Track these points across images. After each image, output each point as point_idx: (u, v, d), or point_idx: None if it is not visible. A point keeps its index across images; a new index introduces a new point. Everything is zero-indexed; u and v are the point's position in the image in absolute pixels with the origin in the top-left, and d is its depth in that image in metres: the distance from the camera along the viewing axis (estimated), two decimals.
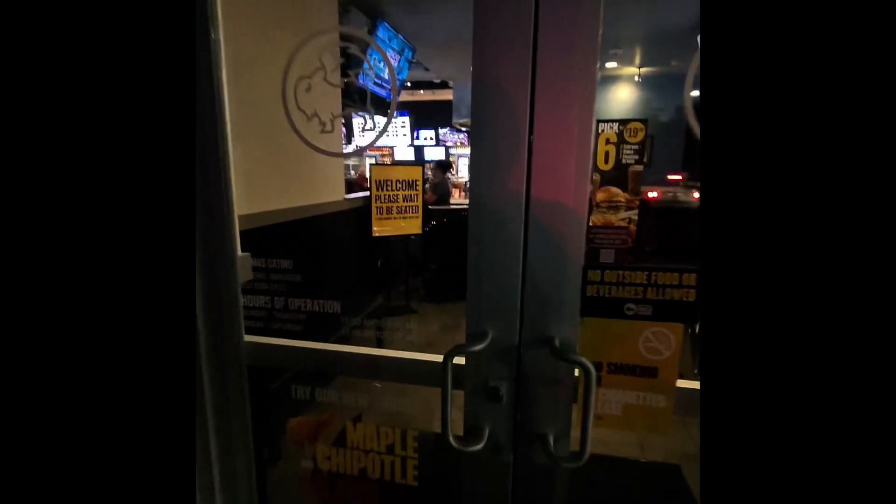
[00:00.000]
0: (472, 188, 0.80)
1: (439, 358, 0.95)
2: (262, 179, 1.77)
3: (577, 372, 0.80)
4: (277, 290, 1.20)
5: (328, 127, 0.89)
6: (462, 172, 11.16)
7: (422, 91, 11.57)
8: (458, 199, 7.47)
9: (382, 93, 4.77)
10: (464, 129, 11.31)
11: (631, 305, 0.74)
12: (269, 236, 1.84)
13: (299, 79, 0.84)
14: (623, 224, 5.10)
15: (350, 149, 3.70)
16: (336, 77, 0.86)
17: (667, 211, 5.14)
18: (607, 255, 0.91)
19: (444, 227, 4.23)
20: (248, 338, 1.01)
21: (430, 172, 5.02)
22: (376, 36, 4.00)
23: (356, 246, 3.75)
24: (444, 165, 4.81)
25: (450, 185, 4.89)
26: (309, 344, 1.02)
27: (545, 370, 0.81)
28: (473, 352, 0.81)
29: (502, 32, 0.73)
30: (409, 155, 16.99)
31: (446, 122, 11.69)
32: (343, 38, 1.04)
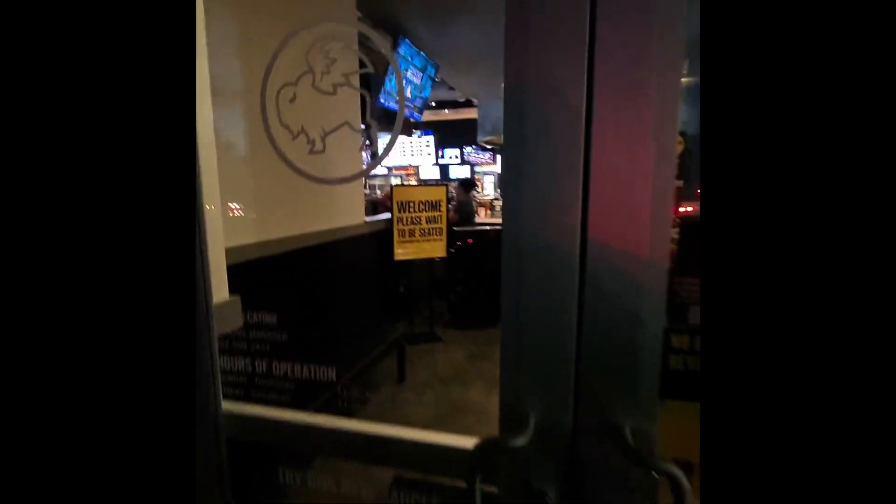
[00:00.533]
0: (507, 225, 0.59)
1: (466, 442, 0.72)
2: (269, 203, 1.62)
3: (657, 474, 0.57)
4: (260, 349, 1.03)
5: (317, 146, 0.70)
6: (488, 190, 11.00)
7: (446, 110, 11.57)
8: (484, 218, 7.28)
9: (406, 112, 4.64)
10: (489, 147, 11.19)
11: None
12: (274, 268, 1.67)
13: (283, 86, 0.67)
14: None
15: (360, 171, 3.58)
16: (328, 83, 0.68)
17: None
18: (699, 314, 0.65)
19: (470, 248, 4.02)
20: (226, 405, 0.82)
21: (453, 191, 4.86)
22: (397, 53, 3.90)
23: (377, 271, 3.59)
24: (468, 184, 4.63)
25: (475, 205, 4.70)
26: (299, 416, 0.81)
27: (612, 472, 0.59)
28: (511, 447, 0.59)
29: (549, 32, 0.53)
30: (435, 174, 17.10)
31: (471, 141, 11.63)
32: (363, 49, 0.86)
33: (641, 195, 0.53)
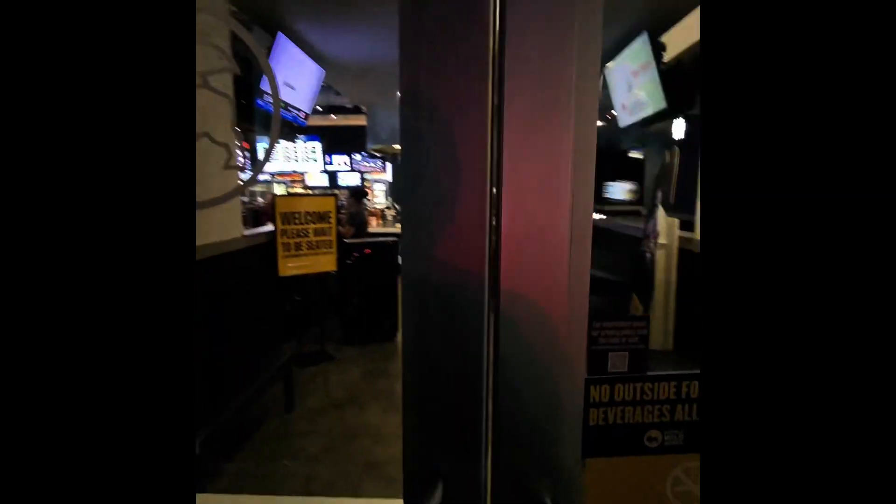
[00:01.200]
0: (405, 253, 0.51)
1: None
2: None
3: None
4: None
5: None
6: (379, 199, 10.84)
7: (333, 115, 11.16)
8: (377, 228, 7.12)
9: (288, 116, 4.32)
10: (378, 155, 11.06)
11: (654, 434, 0.49)
12: None
13: None
14: None
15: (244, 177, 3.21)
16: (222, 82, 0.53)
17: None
18: (619, 360, 0.61)
19: (363, 260, 3.86)
20: None
21: (343, 200, 4.63)
22: (276, 53, 3.61)
23: (260, 290, 3.24)
24: (360, 193, 4.47)
25: (366, 215, 4.55)
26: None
27: None
28: None
29: (452, 41, 0.46)
30: (323, 181, 16.46)
31: (360, 148, 11.39)
32: (237, 56, 0.71)
33: (554, 221, 0.48)
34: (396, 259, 3.99)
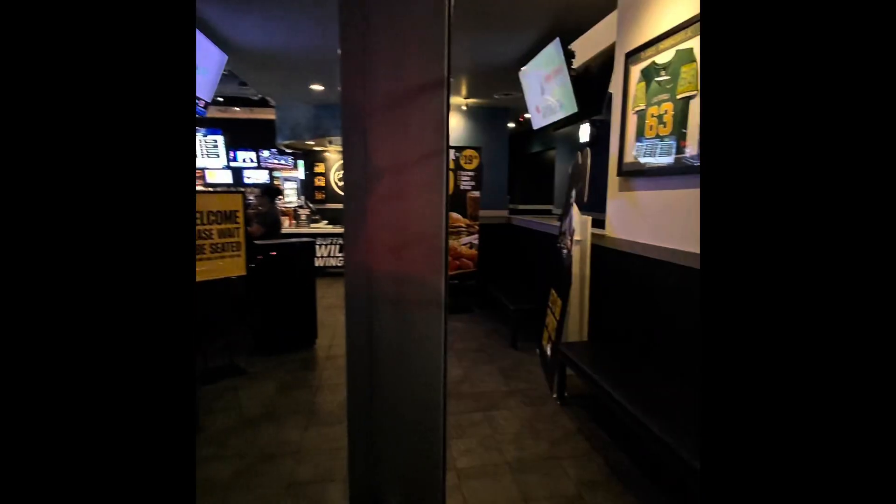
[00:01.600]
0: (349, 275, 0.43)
1: None
2: None
3: None
4: None
5: None
6: (291, 198, 10.23)
7: (237, 108, 10.33)
8: (290, 228, 6.72)
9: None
10: (289, 151, 10.44)
11: None
12: None
13: None
14: (466, 250, 5.12)
15: None
16: None
17: (501, 230, 5.34)
18: None
19: (276, 263, 3.59)
20: None
21: (252, 199, 4.27)
22: None
23: None
24: (273, 191, 4.15)
25: (279, 214, 4.24)
26: None
27: None
28: None
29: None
30: (226, 178, 15.15)
31: (269, 144, 10.67)
32: None
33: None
34: (313, 261, 3.77)
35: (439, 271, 0.47)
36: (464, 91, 5.88)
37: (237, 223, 3.25)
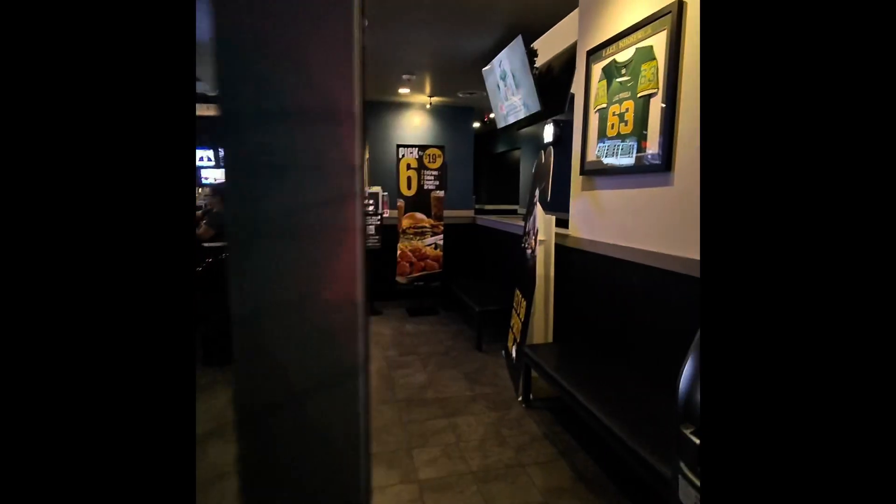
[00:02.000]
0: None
1: None
2: None
3: None
4: None
5: None
6: None
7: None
8: None
9: None
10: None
11: None
12: None
13: None
14: (430, 250, 5.00)
15: None
16: None
17: (466, 230, 5.27)
18: None
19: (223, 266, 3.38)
20: None
21: (204, 200, 4.01)
22: None
23: None
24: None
25: None
26: None
27: None
28: None
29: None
30: None
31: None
32: None
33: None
34: None
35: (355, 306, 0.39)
36: (427, 88, 5.79)
37: None
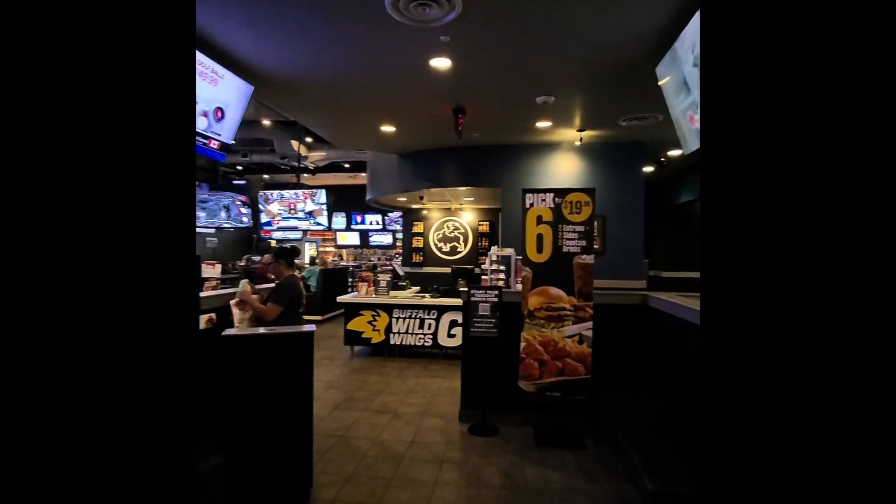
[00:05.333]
0: None
1: None
2: None
3: None
4: None
5: None
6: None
7: (344, 173, 10.22)
8: (363, 297, 5.60)
9: (210, 152, 2.97)
10: (379, 207, 9.86)
11: None
12: None
13: None
14: (573, 345, 2.88)
15: None
16: None
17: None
18: None
19: (256, 366, 2.36)
20: None
21: (260, 264, 3.24)
22: None
23: None
24: (287, 253, 3.05)
25: (299, 284, 3.09)
26: None
27: None
28: None
29: None
30: (353, 240, 15.52)
31: (364, 207, 10.32)
32: None
33: None
34: (309, 366, 2.43)
35: None
36: (577, 120, 4.34)
37: None
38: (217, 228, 9.67)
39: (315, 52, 2.94)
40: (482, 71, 3.22)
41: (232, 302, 2.78)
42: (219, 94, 3.02)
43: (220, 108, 3.09)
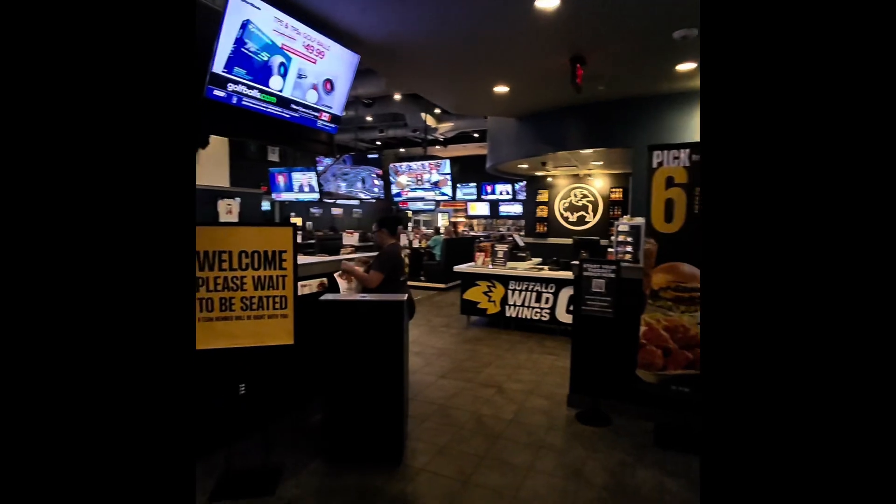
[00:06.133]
0: None
1: None
2: None
3: None
4: None
5: None
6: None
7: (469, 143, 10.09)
8: (480, 268, 5.53)
9: (324, 126, 3.11)
10: (505, 176, 9.50)
11: None
12: None
13: None
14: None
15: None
16: None
17: None
18: None
19: (352, 329, 2.42)
20: None
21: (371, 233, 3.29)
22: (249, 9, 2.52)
23: None
24: (391, 222, 3.05)
25: (399, 253, 3.09)
26: None
27: None
28: None
29: None
30: (483, 210, 15.60)
31: (484, 176, 10.06)
32: None
33: None
34: (401, 333, 2.41)
35: None
36: None
37: (284, 269, 2.24)
38: (359, 200, 10.56)
39: (415, 7, 2.81)
40: (600, 5, 2.72)
41: (336, 274, 2.91)
42: (327, 67, 3.11)
43: (329, 81, 3.18)
